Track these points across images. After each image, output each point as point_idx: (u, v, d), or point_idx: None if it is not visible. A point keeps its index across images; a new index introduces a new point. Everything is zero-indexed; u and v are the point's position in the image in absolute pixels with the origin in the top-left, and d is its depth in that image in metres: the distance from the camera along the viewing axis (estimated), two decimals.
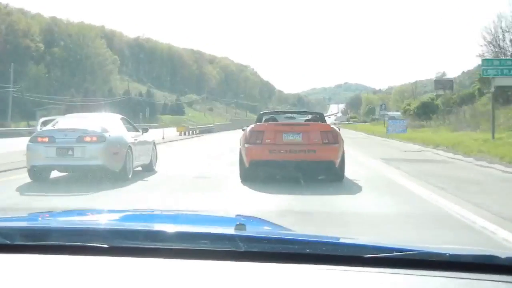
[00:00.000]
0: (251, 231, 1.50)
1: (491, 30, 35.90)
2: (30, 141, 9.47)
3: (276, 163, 8.88)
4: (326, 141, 8.88)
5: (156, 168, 11.37)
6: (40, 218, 1.92)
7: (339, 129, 9.67)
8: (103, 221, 1.86)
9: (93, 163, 9.13)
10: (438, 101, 43.38)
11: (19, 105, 57.15)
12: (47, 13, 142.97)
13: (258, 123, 9.82)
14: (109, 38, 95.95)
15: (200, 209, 6.31)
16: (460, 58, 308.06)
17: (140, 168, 10.77)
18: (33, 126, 38.66)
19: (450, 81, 55.81)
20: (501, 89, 22.71)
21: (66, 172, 9.95)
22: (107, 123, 9.91)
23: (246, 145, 9.04)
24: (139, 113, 56.67)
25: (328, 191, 7.92)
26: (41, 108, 55.26)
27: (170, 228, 1.46)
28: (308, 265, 1.22)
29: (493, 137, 17.69)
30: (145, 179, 9.85)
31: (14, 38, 70.65)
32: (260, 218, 2.16)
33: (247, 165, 8.98)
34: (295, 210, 6.35)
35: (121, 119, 10.81)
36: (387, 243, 1.36)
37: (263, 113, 11.43)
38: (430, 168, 11.38)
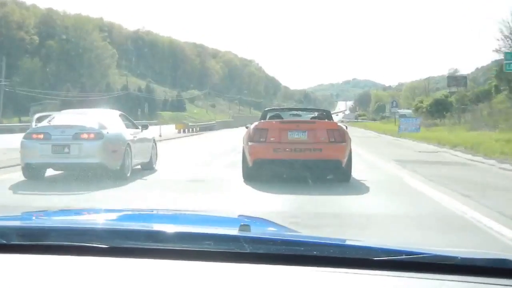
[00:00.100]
0: (256, 232, 1.51)
1: (508, 24, 35.75)
2: (24, 137, 9.50)
3: (281, 162, 8.89)
4: (333, 139, 8.89)
5: (156, 166, 11.40)
6: (35, 218, 1.93)
7: (346, 128, 9.69)
8: (101, 220, 1.87)
9: (90, 161, 9.15)
10: (452, 99, 43.20)
11: (11, 100, 57.24)
12: (42, 5, 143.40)
13: (262, 121, 9.82)
14: (108, 30, 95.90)
15: (201, 209, 6.33)
16: (474, 53, 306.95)
17: (139, 167, 10.80)
18: (25, 122, 38.69)
19: (464, 77, 55.54)
20: None
21: (62, 170, 9.98)
22: (105, 119, 9.93)
23: (249, 143, 9.05)
24: (137, 109, 56.77)
25: (338, 191, 7.89)
26: (36, 103, 55.31)
27: (171, 228, 1.47)
28: (314, 268, 1.23)
29: None
30: (145, 177, 9.88)
31: (7, 30, 70.76)
32: (264, 219, 2.18)
33: (250, 164, 8.99)
34: (301, 211, 6.36)
35: (120, 115, 10.83)
36: (396, 245, 1.37)
37: (268, 110, 11.42)
38: (450, 172, 10.94)
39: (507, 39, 35.85)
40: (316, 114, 11.08)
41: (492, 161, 13.09)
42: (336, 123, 9.93)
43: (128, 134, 10.16)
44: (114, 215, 2.10)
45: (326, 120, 10.25)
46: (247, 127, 9.72)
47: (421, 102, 47.46)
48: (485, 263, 1.25)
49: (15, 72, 63.58)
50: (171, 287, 1.17)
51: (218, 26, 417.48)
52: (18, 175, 9.51)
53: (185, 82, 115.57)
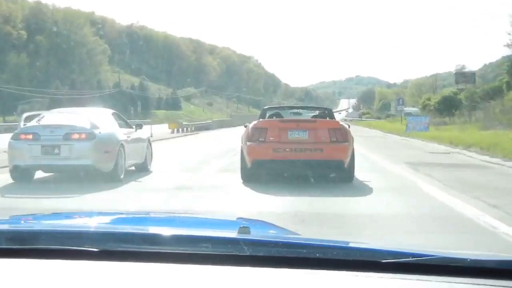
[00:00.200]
0: (255, 234, 1.52)
1: None
2: (12, 138, 9.49)
3: (281, 162, 8.92)
4: (335, 139, 8.91)
5: (151, 168, 11.41)
6: (24, 221, 1.94)
7: (349, 126, 9.71)
8: (93, 223, 1.87)
9: (81, 162, 9.15)
10: (461, 96, 43.18)
11: None
12: None
13: (261, 119, 9.85)
14: (99, 25, 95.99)
15: (198, 210, 6.33)
16: (481, 49, 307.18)
17: (133, 168, 10.81)
18: (10, 122, 38.50)
19: (473, 73, 55.77)
20: None
21: (52, 172, 9.97)
22: (97, 118, 9.92)
23: (248, 143, 9.07)
24: (130, 107, 56.68)
25: (348, 204, 7.25)
26: (23, 102, 55.29)
27: (167, 230, 1.48)
28: (317, 271, 1.23)
29: None
30: (139, 179, 9.88)
31: None
32: (263, 221, 2.19)
33: (249, 165, 9.01)
34: (301, 213, 6.37)
35: (113, 114, 10.84)
36: (403, 247, 1.37)
37: (267, 108, 11.45)
38: (468, 176, 10.38)
39: None
40: (317, 112, 11.11)
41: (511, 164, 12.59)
42: (338, 122, 9.97)
43: (122, 134, 10.16)
44: (107, 218, 2.11)
45: (327, 118, 10.28)
46: (245, 126, 9.74)
47: (429, 99, 47.44)
48: (495, 264, 1.26)
49: (1, 69, 63.53)
50: None
51: (216, 21, 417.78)
52: (5, 178, 9.50)
53: (181, 79, 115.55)
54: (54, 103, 43.31)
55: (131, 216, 2.43)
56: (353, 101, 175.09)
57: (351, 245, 1.50)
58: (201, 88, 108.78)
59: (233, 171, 9.89)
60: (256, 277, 1.23)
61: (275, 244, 1.37)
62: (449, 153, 16.72)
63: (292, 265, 1.25)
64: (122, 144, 9.84)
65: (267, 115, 10.54)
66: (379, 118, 78.69)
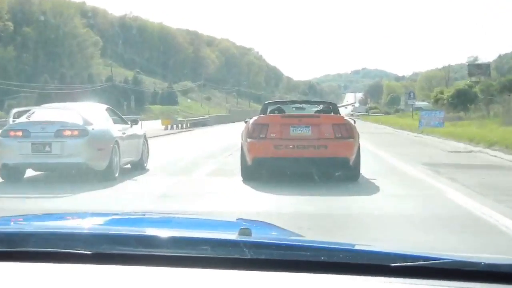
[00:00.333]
0: (257, 236, 1.52)
1: None
2: (0, 135, 9.50)
3: (282, 160, 8.92)
4: (339, 135, 8.91)
5: (148, 165, 11.42)
6: (13, 223, 1.94)
7: (354, 122, 9.71)
8: (86, 225, 1.88)
9: (74, 160, 9.16)
10: (477, 89, 42.98)
11: None
12: None
13: (262, 115, 9.87)
14: (91, 16, 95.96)
15: (196, 211, 6.34)
16: (495, 40, 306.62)
17: (129, 166, 10.83)
18: None
19: (487, 65, 55.59)
20: None
21: (42, 170, 10.00)
22: (91, 114, 9.94)
23: (248, 140, 9.08)
24: (124, 102, 56.62)
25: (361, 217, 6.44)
26: (10, 97, 55.26)
27: (164, 232, 1.48)
28: (322, 275, 1.24)
29: None
30: (134, 178, 9.90)
31: None
32: (264, 222, 2.19)
33: (249, 162, 9.03)
34: (303, 214, 6.38)
35: (107, 109, 10.85)
36: (413, 250, 1.37)
37: (268, 103, 11.47)
38: (499, 180, 9.56)
39: None
40: (321, 107, 11.13)
41: None
42: (342, 117, 9.96)
43: (116, 130, 10.18)
44: (101, 219, 2.11)
45: (332, 113, 10.28)
46: (246, 122, 9.75)
47: (441, 93, 47.22)
48: (511, 269, 1.26)
49: None
50: None
51: (214, 11, 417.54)
52: None
53: (177, 73, 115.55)
54: (42, 98, 43.25)
55: (126, 217, 2.44)
56: (359, 95, 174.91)
57: (357, 247, 1.50)
58: (199, 82, 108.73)
59: (225, 174, 9.75)
60: (258, 281, 1.23)
61: (278, 246, 1.38)
62: (470, 151, 16.07)
63: (295, 268, 1.26)
64: (116, 141, 9.86)
65: (269, 110, 10.56)
66: (387, 113, 78.66)
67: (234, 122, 41.65)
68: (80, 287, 1.22)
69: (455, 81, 69.72)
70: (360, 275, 1.23)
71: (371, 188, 8.44)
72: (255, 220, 2.26)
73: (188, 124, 39.44)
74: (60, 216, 2.50)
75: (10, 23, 75.93)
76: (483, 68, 52.87)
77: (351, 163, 8.88)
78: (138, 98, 70.92)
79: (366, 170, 9.66)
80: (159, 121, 37.78)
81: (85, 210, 5.63)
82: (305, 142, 8.90)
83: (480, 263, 1.26)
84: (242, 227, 1.51)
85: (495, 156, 14.46)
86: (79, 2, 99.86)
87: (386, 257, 1.30)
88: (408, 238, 5.28)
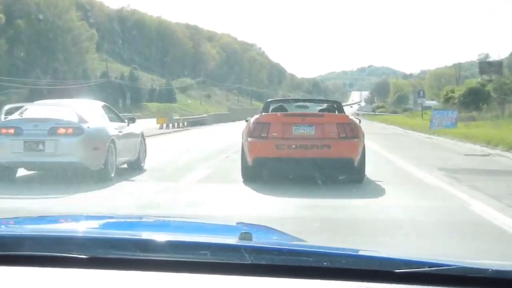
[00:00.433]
0: (258, 240, 1.53)
1: None
2: None
3: (284, 160, 8.92)
4: (344, 135, 8.91)
5: (145, 165, 11.43)
6: (4, 226, 1.95)
7: (359, 121, 9.71)
8: (81, 228, 1.88)
9: (68, 159, 9.16)
10: (490, 87, 42.77)
11: None
12: None
13: (263, 113, 9.87)
14: (86, 9, 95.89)
15: (195, 215, 6.35)
16: (506, 36, 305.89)
17: (125, 166, 10.84)
18: None
19: (499, 63, 55.35)
20: None
21: (35, 170, 10.01)
22: (86, 112, 9.94)
23: (249, 139, 9.09)
24: (119, 99, 56.51)
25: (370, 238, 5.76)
26: (0, 92, 55.21)
27: (162, 236, 1.49)
28: (324, 281, 1.25)
29: None
30: (131, 178, 9.91)
31: None
32: (265, 226, 2.20)
33: (250, 163, 9.04)
34: (306, 218, 6.39)
35: (103, 106, 10.86)
36: (418, 256, 1.38)
37: (270, 101, 11.49)
38: None
39: None
40: (325, 105, 11.14)
41: None
42: (347, 116, 9.97)
43: (113, 128, 10.18)
44: (96, 223, 2.12)
45: (336, 112, 10.29)
46: (247, 121, 9.76)
47: (452, 91, 47.06)
48: None
49: None
50: None
51: (215, 5, 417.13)
52: None
53: (176, 69, 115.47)
54: (34, 94, 43.14)
55: (123, 220, 2.45)
56: (365, 93, 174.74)
57: (361, 253, 1.51)
58: (198, 79, 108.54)
59: (219, 180, 9.62)
60: (258, 287, 1.24)
61: (279, 251, 1.38)
62: (488, 155, 15.34)
63: (297, 274, 1.27)
64: (113, 139, 9.86)
65: (271, 108, 10.56)
66: (395, 112, 78.50)
67: (234, 121, 41.46)
68: None
69: (465, 79, 69.55)
70: (363, 281, 1.24)
71: (385, 201, 7.65)
72: (255, 224, 2.27)
73: (185, 123, 38.84)
74: (55, 218, 2.51)
75: (1, 15, 75.85)
76: (495, 66, 52.59)
77: (355, 164, 8.88)
78: (135, 95, 70.89)
79: (378, 177, 9.59)
80: (154, 120, 37.14)
81: (80, 212, 5.65)
82: (308, 142, 8.91)
83: (488, 269, 1.26)
84: (243, 232, 1.52)
85: None
86: None
87: (390, 263, 1.31)
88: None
